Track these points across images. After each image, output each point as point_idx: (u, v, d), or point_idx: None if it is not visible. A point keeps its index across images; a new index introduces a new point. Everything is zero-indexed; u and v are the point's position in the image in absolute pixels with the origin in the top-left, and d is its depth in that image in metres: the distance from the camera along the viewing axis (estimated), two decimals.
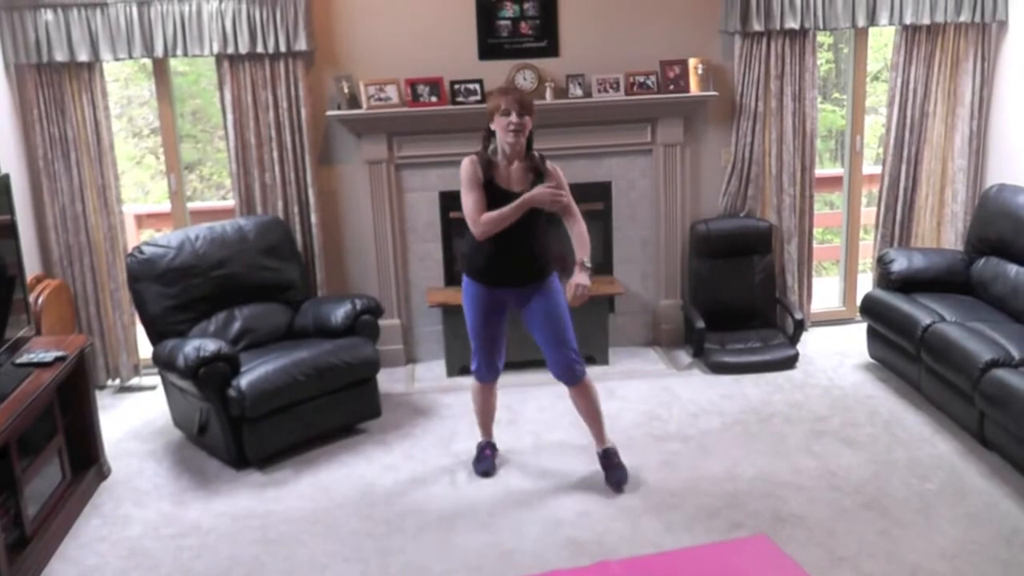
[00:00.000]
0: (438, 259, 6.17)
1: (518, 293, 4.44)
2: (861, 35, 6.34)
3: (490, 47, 5.93)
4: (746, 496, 4.44)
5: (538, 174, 4.33)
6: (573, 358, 4.46)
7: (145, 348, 5.59)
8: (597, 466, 4.64)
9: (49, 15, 5.43)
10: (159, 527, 4.39)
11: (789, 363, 5.95)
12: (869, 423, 5.15)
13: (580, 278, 4.25)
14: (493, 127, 4.27)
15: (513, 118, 4.18)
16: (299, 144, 5.83)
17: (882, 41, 7.90)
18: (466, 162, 4.29)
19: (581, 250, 4.33)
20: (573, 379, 4.50)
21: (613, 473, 4.56)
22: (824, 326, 6.67)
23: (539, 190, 4.21)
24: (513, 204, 4.20)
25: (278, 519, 4.41)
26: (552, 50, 5.97)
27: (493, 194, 4.26)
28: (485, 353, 4.58)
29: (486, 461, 4.78)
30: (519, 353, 5.87)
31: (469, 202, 4.27)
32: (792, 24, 5.91)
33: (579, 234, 4.35)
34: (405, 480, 4.74)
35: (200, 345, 4.77)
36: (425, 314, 6.22)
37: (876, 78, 8.38)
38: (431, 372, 6.15)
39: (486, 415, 4.84)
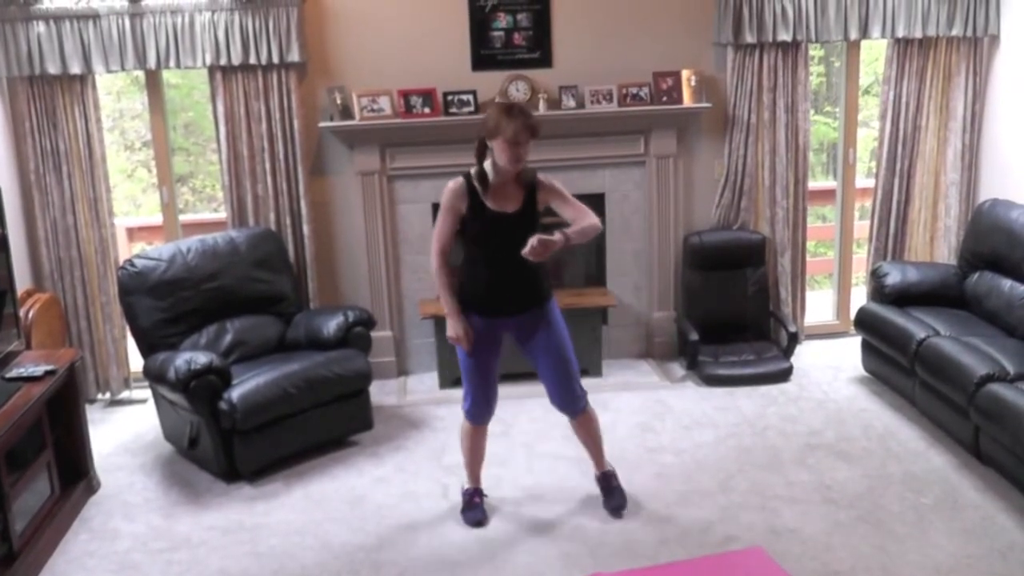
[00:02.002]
0: (431, 271, 6.15)
1: (518, 322, 4.18)
2: (853, 48, 6.36)
3: (483, 58, 5.93)
4: (740, 509, 4.42)
5: (531, 191, 4.07)
6: (578, 393, 4.30)
7: (136, 361, 5.56)
8: (590, 478, 4.60)
9: (41, 27, 5.41)
10: (148, 541, 4.36)
11: (783, 376, 5.93)
12: (864, 437, 5.14)
13: (550, 237, 3.84)
14: (491, 144, 3.95)
15: (521, 149, 3.90)
16: (291, 155, 5.81)
17: (873, 55, 7.92)
18: (451, 185, 4.06)
19: (580, 224, 4.01)
20: (576, 412, 4.36)
21: (612, 497, 4.45)
22: (818, 339, 6.66)
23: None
24: (450, 311, 4.11)
25: (269, 532, 4.38)
26: (545, 61, 5.97)
27: (484, 217, 4.04)
28: (482, 391, 4.25)
29: (477, 510, 4.39)
30: (510, 365, 5.86)
31: (437, 229, 4.16)
32: (784, 36, 5.92)
33: (587, 217, 4.04)
34: (397, 493, 4.71)
35: (191, 358, 4.75)
36: (417, 326, 6.20)
37: (867, 92, 8.39)
38: (423, 384, 6.12)
39: (476, 459, 4.46)
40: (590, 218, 4.08)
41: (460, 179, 4.08)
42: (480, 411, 4.33)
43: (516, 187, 4.08)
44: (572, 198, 4.16)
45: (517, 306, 4.15)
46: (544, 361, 4.24)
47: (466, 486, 4.51)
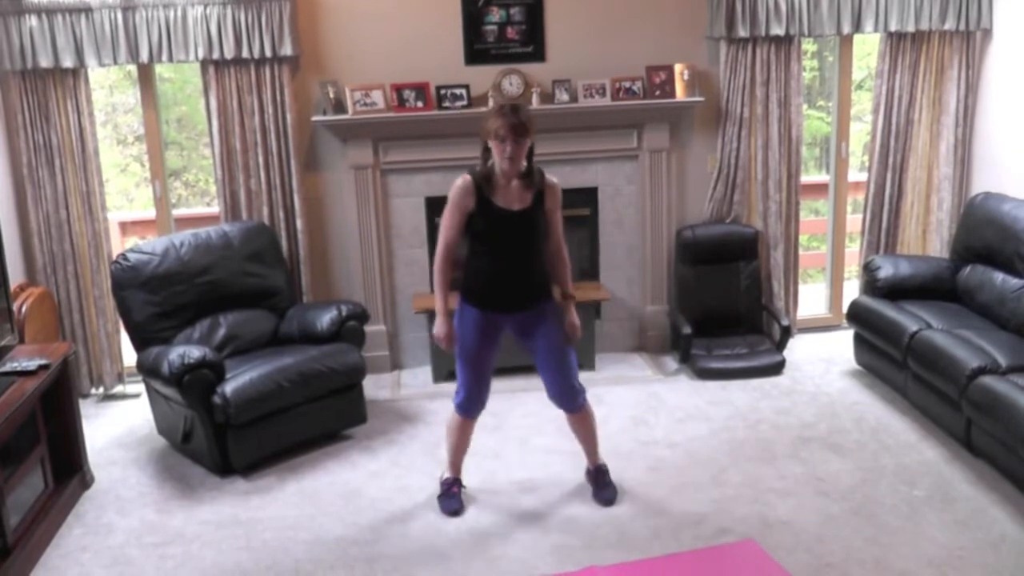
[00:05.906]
0: (424, 265, 6.15)
1: (518, 319, 4.21)
2: (846, 42, 6.36)
3: (476, 52, 5.93)
4: (733, 502, 4.43)
5: (538, 192, 4.08)
6: (575, 387, 4.32)
7: (129, 356, 5.55)
8: (584, 471, 4.62)
9: (34, 21, 5.40)
10: (142, 535, 4.36)
11: (776, 369, 5.95)
12: (856, 429, 5.15)
13: (574, 316, 4.18)
14: (490, 145, 4.00)
15: (507, 146, 3.91)
16: (284, 149, 5.81)
17: (866, 50, 7.93)
18: (458, 183, 4.06)
19: (566, 277, 4.23)
20: (574, 407, 4.37)
21: (603, 491, 4.48)
22: (810, 332, 6.68)
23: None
24: (440, 309, 4.15)
25: (262, 526, 4.38)
26: (538, 55, 5.97)
27: (491, 214, 4.03)
28: (475, 384, 4.28)
29: (454, 499, 4.43)
30: (504, 359, 5.86)
31: (443, 226, 4.14)
32: (777, 30, 5.92)
33: (562, 258, 4.23)
34: (390, 487, 4.71)
35: (185, 352, 4.74)
36: (411, 320, 6.20)
37: (860, 87, 8.40)
38: (417, 378, 6.13)
39: (460, 451, 4.48)
40: (565, 256, 4.26)
41: (467, 176, 4.08)
42: (472, 405, 4.34)
43: (524, 187, 4.08)
44: (560, 222, 4.22)
45: (518, 303, 4.18)
46: (544, 355, 4.26)
47: (446, 475, 4.53)
